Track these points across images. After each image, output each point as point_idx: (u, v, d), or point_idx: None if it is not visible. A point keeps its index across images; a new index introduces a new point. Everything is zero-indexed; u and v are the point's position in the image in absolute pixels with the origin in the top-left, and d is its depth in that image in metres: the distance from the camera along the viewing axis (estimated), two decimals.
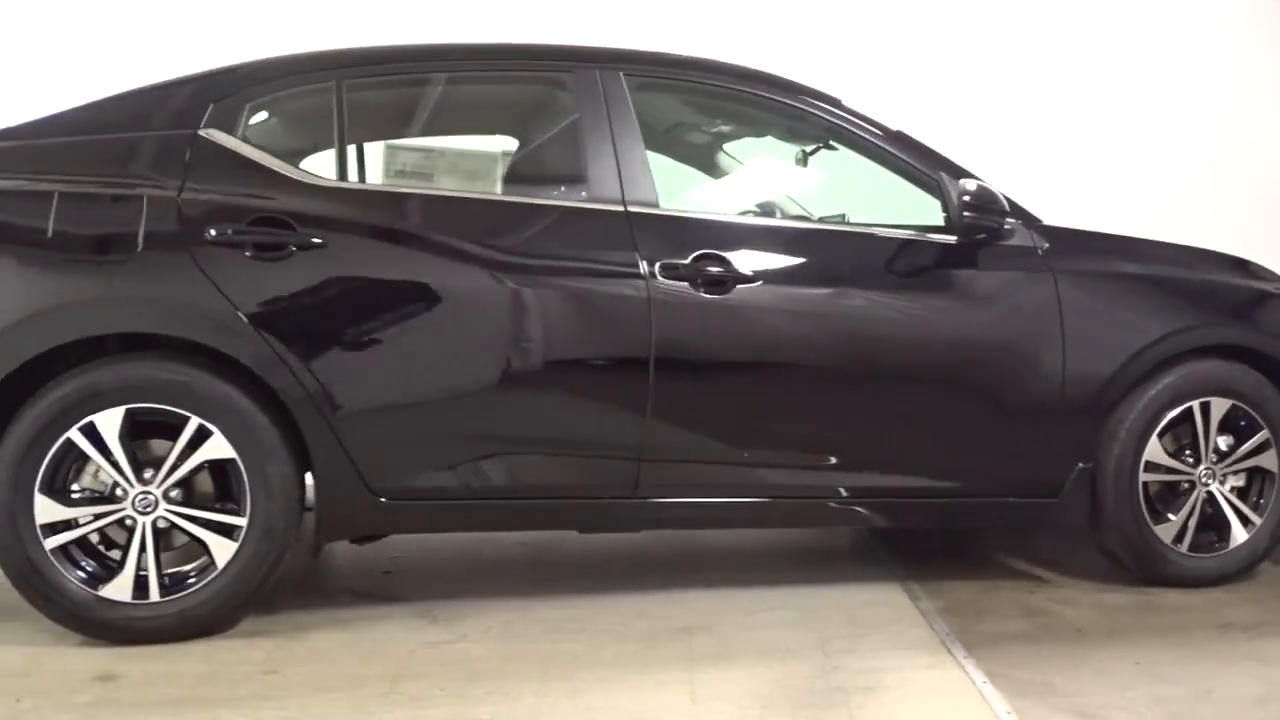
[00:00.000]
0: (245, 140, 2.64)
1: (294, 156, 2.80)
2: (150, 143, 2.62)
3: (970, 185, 2.84)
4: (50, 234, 2.46)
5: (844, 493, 2.86)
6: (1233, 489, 3.09)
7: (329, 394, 2.53)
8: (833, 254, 2.89)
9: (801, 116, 3.02)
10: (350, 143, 2.93)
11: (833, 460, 2.84)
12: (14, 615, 2.59)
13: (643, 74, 2.91)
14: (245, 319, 2.49)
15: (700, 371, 2.74)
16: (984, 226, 2.85)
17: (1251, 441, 3.07)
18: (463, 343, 2.62)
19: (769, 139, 3.34)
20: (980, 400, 2.91)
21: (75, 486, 2.49)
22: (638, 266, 2.68)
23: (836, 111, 3.00)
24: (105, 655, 2.43)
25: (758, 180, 3.44)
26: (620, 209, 2.73)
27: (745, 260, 2.75)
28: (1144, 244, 3.16)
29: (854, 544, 3.57)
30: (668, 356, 2.68)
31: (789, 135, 3.25)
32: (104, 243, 2.52)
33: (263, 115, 2.70)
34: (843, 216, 3.22)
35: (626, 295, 2.67)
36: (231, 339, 2.49)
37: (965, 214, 2.81)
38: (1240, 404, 3.05)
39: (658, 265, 2.69)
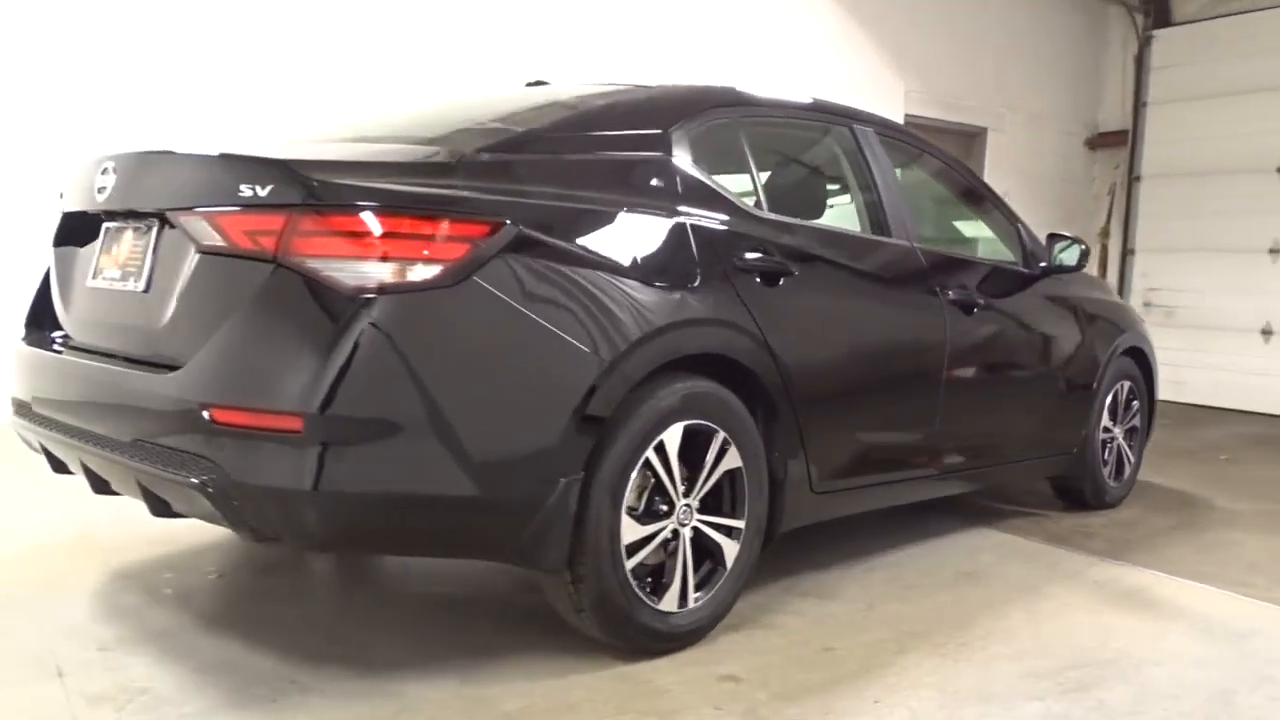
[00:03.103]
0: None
1: None
2: (650, 166, 2.66)
3: (1070, 235, 4.02)
4: (632, 255, 2.45)
5: (1007, 459, 3.88)
6: (1124, 439, 4.69)
7: (805, 406, 2.86)
8: (1003, 283, 3.85)
9: (953, 178, 3.92)
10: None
11: (1006, 434, 3.84)
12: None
13: (880, 132, 3.58)
14: (765, 340, 2.72)
15: (962, 375, 3.53)
16: (1082, 264, 4.04)
17: (1134, 407, 4.70)
18: (869, 355, 3.12)
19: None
20: (1059, 385, 4.11)
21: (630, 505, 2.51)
22: (937, 293, 3.40)
23: (970, 174, 3.96)
24: (686, 660, 2.53)
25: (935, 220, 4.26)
26: (909, 244, 3.41)
27: (977, 288, 3.61)
28: (1091, 275, 4.62)
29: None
30: (952, 364, 3.44)
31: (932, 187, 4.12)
32: (674, 266, 2.56)
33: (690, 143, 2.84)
34: None
35: (936, 318, 3.37)
36: (758, 358, 2.71)
37: (1083, 259, 3.98)
38: (1134, 385, 4.66)
39: (943, 291, 3.43)
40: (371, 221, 2.10)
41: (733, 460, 2.69)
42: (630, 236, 2.49)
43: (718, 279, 2.65)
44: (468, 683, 2.37)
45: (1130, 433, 4.71)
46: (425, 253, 2.11)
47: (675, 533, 2.57)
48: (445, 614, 2.87)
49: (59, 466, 2.68)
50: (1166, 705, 2.43)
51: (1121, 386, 4.55)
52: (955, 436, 3.57)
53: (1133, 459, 4.72)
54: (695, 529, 2.63)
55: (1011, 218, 4.09)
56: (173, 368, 2.21)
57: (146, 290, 2.37)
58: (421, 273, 2.11)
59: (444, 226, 2.14)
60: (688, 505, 2.59)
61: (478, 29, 6.55)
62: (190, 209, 2.23)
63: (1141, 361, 4.72)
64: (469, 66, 6.46)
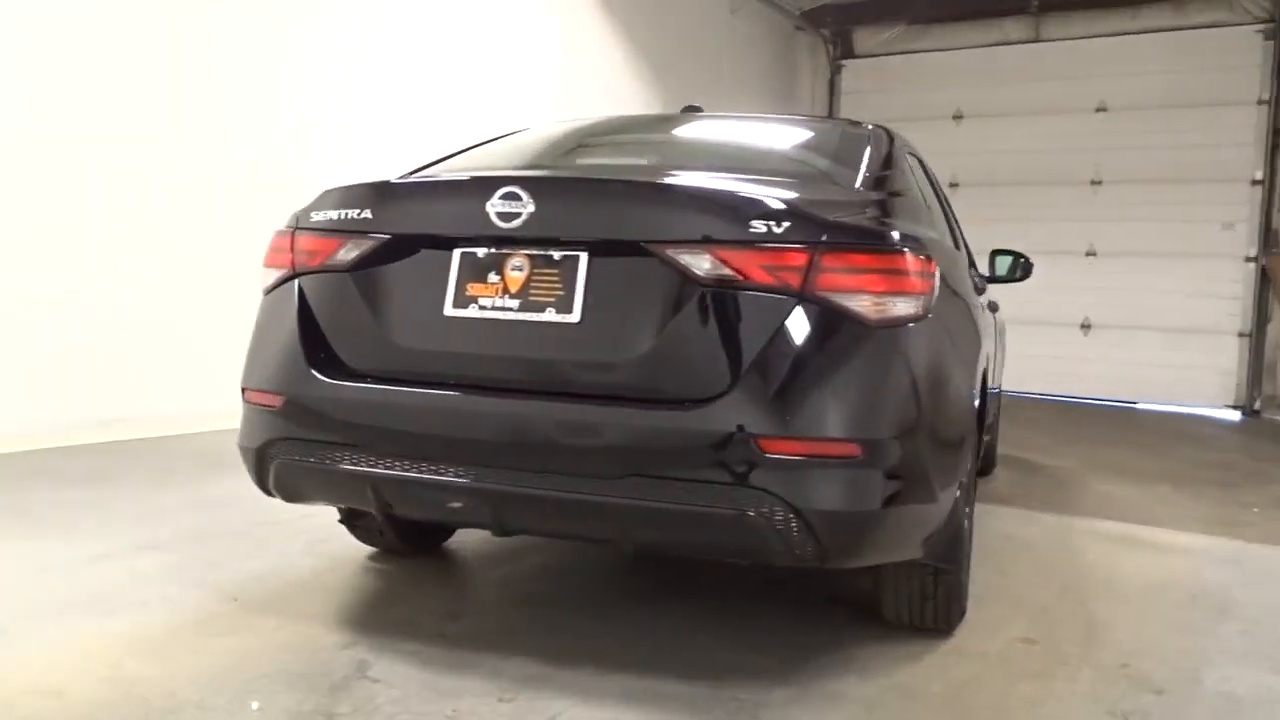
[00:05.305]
0: None
1: None
2: (914, 199, 2.96)
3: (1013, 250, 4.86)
4: (964, 282, 2.79)
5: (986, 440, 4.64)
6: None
7: (987, 402, 3.35)
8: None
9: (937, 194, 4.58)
10: None
11: (992, 419, 4.60)
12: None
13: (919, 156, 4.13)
14: (988, 348, 3.16)
15: (991, 369, 4.20)
16: (1017, 277, 4.89)
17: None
18: (991, 356, 3.66)
19: None
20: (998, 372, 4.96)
21: None
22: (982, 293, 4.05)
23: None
24: (973, 633, 2.90)
25: None
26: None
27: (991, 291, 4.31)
28: None
29: None
30: (990, 360, 4.11)
31: None
32: (974, 288, 2.89)
33: None
34: None
35: (987, 314, 4.01)
36: (989, 365, 3.14)
37: (1021, 272, 4.80)
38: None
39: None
40: (890, 259, 2.25)
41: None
42: (955, 262, 2.82)
43: (979, 297, 3.05)
44: (866, 677, 2.55)
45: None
46: (918, 286, 2.30)
47: None
48: (709, 617, 2.96)
49: (386, 507, 2.44)
50: None
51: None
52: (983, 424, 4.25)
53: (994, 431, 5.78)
54: None
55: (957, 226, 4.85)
56: (668, 401, 2.19)
57: (581, 321, 2.28)
58: (917, 305, 2.30)
59: (924, 262, 2.35)
60: None
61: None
62: (682, 242, 2.21)
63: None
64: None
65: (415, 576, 3.25)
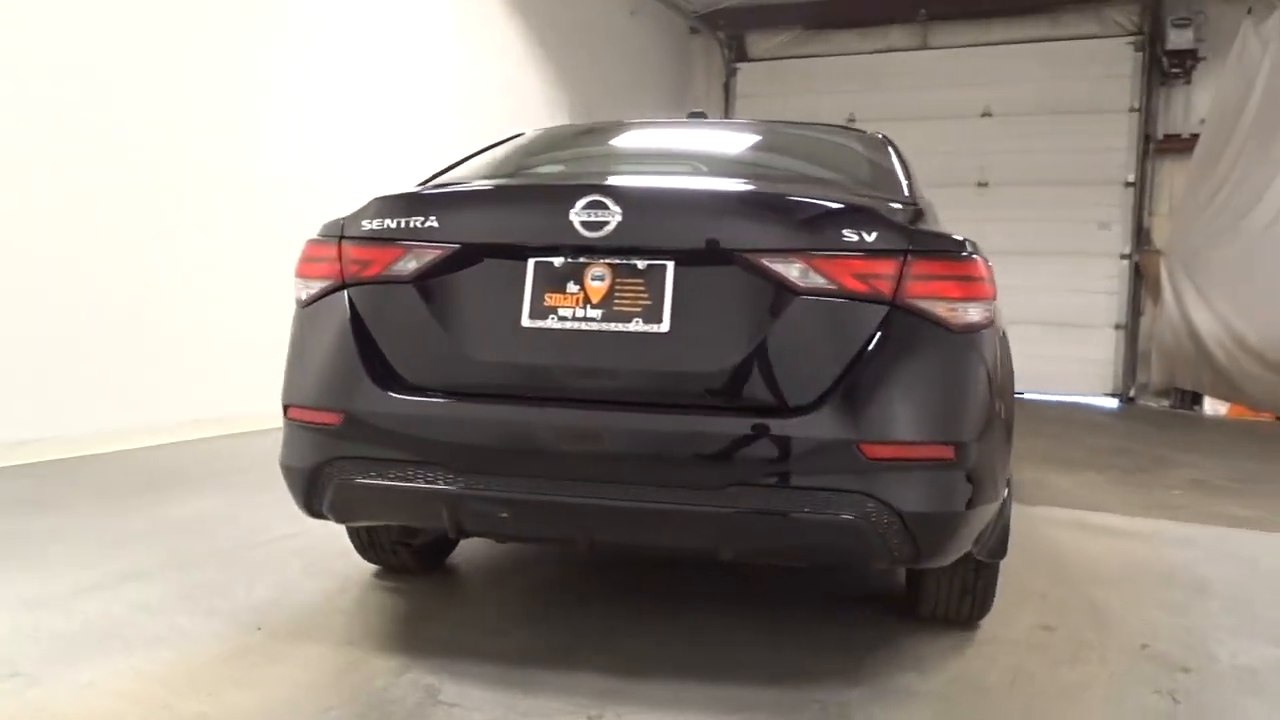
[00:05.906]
0: None
1: None
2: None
3: None
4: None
5: None
6: None
7: None
8: None
9: None
10: None
11: None
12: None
13: None
14: None
15: None
16: None
17: None
18: None
19: None
20: None
21: None
22: None
23: None
24: (995, 624, 3.02)
25: None
26: None
27: None
28: None
29: None
30: None
31: None
32: None
33: None
34: None
35: None
36: None
37: None
38: None
39: None
40: (973, 266, 2.31)
41: None
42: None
43: None
44: (925, 672, 2.61)
45: None
46: (988, 292, 2.38)
47: None
48: (745, 619, 2.98)
49: (458, 525, 2.36)
50: (1256, 580, 3.51)
51: None
52: None
53: None
54: None
55: None
56: (766, 410, 2.19)
57: (670, 331, 2.25)
58: (989, 310, 2.37)
59: (989, 268, 2.42)
60: None
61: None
62: (776, 251, 2.22)
63: None
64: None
65: (435, 593, 3.15)
